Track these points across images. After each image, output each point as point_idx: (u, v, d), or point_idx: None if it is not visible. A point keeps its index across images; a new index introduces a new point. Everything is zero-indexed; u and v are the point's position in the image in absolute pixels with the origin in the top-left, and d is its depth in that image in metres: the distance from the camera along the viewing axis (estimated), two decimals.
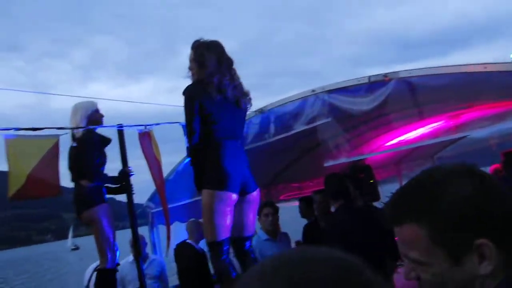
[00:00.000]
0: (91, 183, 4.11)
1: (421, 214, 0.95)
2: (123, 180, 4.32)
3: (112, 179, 4.37)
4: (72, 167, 4.23)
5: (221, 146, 3.49)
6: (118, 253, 4.52)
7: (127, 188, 4.33)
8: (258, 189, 3.78)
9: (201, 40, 3.66)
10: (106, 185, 4.39)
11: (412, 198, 0.99)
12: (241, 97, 3.66)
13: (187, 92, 3.57)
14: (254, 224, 3.89)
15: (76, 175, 4.20)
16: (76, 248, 77.35)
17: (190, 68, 3.68)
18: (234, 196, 3.49)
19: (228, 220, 3.48)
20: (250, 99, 3.79)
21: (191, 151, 3.57)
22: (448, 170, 0.99)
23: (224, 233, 3.48)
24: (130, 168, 4.34)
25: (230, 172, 3.45)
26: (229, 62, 3.67)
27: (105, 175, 4.33)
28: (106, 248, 4.19)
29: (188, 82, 3.70)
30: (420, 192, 0.98)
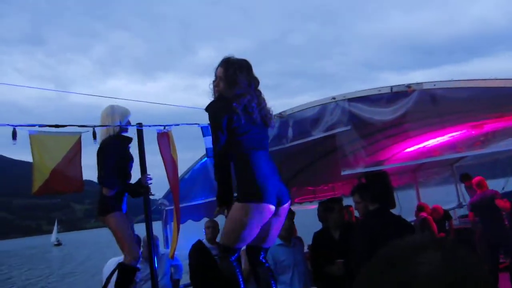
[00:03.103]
0: (108, 193, 4.19)
1: None
2: (139, 190, 4.36)
3: (129, 189, 4.40)
4: (97, 169, 4.29)
5: (251, 156, 3.41)
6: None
7: (143, 194, 4.37)
8: (289, 201, 3.64)
9: (232, 58, 3.59)
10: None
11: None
12: (267, 117, 3.61)
13: (211, 109, 3.50)
14: (276, 237, 3.79)
15: (98, 179, 4.27)
16: (59, 243, 76.81)
17: (216, 85, 3.59)
18: (272, 207, 3.35)
19: (254, 234, 3.40)
20: (273, 118, 3.74)
21: (216, 167, 3.50)
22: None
23: (244, 244, 3.45)
24: (148, 176, 4.33)
25: (265, 182, 3.33)
26: (256, 83, 3.61)
27: (125, 184, 4.35)
28: (128, 246, 4.25)
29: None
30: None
